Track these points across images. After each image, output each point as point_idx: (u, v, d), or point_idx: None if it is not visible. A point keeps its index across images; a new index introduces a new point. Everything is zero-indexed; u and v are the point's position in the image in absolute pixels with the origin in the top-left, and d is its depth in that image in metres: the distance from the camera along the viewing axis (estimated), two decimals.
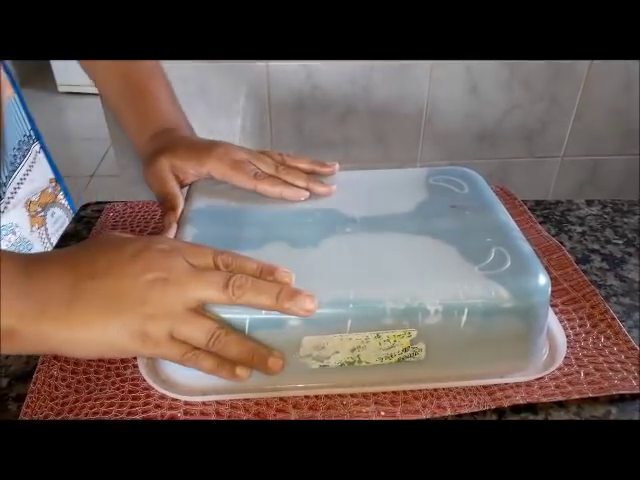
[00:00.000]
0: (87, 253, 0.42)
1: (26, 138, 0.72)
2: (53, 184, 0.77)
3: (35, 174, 0.73)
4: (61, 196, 0.79)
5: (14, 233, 0.70)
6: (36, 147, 0.74)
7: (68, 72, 2.76)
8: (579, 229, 0.65)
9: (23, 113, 0.72)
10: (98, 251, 0.42)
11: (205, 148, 0.56)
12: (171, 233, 0.49)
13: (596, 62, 1.32)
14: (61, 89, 2.92)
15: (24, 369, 0.47)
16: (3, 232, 0.68)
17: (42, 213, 0.74)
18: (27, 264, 0.41)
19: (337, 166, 0.57)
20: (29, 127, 0.73)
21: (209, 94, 1.31)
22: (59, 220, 0.77)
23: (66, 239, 0.64)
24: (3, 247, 0.68)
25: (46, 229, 0.75)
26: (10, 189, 0.69)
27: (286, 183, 0.54)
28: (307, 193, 0.54)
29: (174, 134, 0.59)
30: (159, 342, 0.40)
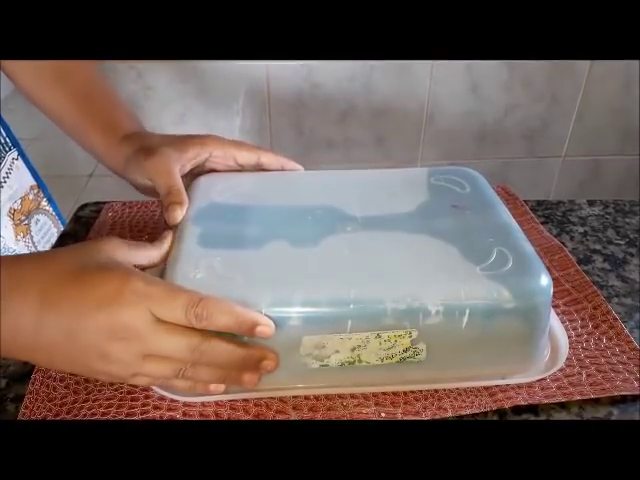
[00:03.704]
0: (57, 283, 0.40)
1: (0, 146, 0.71)
2: (35, 191, 0.76)
3: (13, 181, 0.72)
4: (45, 202, 0.78)
5: None
6: (12, 154, 0.73)
7: None
8: (581, 229, 0.65)
9: None
10: (65, 287, 0.39)
11: (198, 134, 0.58)
12: (166, 247, 0.47)
13: (597, 62, 1.31)
14: None
15: (22, 370, 0.47)
16: None
17: (26, 221, 0.73)
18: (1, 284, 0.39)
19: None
20: (3, 135, 0.72)
21: (209, 94, 1.31)
22: (44, 227, 0.76)
23: (64, 239, 0.64)
24: None
25: (31, 237, 0.74)
26: None
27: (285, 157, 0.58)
28: (300, 167, 0.58)
29: (145, 133, 0.59)
30: (125, 378, 0.41)
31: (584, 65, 1.32)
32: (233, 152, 0.57)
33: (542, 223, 0.64)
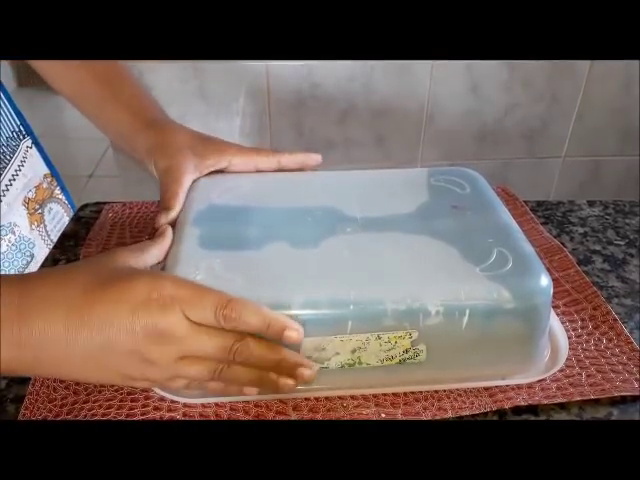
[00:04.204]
0: (84, 297, 0.39)
1: (15, 134, 0.71)
2: (48, 179, 0.76)
3: (27, 170, 0.72)
4: (58, 191, 0.78)
5: (13, 233, 0.69)
6: (27, 143, 0.73)
7: None
8: (581, 230, 0.65)
9: (10, 109, 0.72)
10: (95, 299, 0.39)
11: (218, 139, 0.58)
12: (167, 241, 0.47)
13: (597, 62, 1.31)
14: None
15: None
16: (2, 232, 0.68)
17: (40, 210, 0.74)
18: (20, 304, 0.39)
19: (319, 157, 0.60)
20: (18, 123, 0.72)
21: (209, 94, 1.31)
22: (57, 216, 0.77)
23: (65, 240, 0.64)
24: (3, 248, 0.68)
25: (45, 226, 0.74)
26: (2, 186, 0.68)
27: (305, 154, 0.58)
28: (320, 156, 0.58)
29: (170, 125, 0.59)
30: (162, 382, 0.41)
31: (584, 65, 1.32)
32: (254, 159, 0.57)
33: (542, 224, 0.64)
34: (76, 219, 0.67)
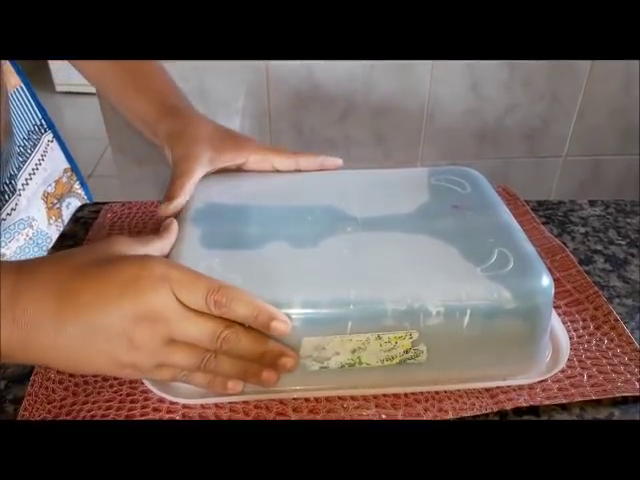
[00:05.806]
0: (75, 278, 0.39)
1: (36, 128, 0.71)
2: (68, 174, 0.76)
3: (47, 164, 0.72)
4: (77, 186, 0.78)
5: (31, 227, 0.69)
6: (48, 136, 0.73)
7: (66, 72, 2.75)
8: (582, 230, 0.65)
9: (32, 103, 0.71)
10: (85, 279, 0.39)
11: (238, 135, 0.58)
12: (172, 235, 0.47)
13: (597, 62, 1.31)
14: (59, 89, 2.92)
15: (21, 371, 0.47)
16: (20, 226, 0.67)
17: (58, 205, 0.73)
18: (15, 285, 0.38)
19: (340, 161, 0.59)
20: (39, 117, 0.72)
21: (209, 94, 1.31)
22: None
23: (63, 240, 0.64)
24: (21, 242, 0.67)
25: (63, 221, 0.74)
26: (22, 180, 0.68)
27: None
28: (340, 160, 0.58)
29: (189, 110, 0.59)
30: (148, 371, 0.41)
31: (585, 65, 1.31)
32: (271, 158, 0.56)
33: (543, 223, 0.64)
34: (75, 219, 0.67)
